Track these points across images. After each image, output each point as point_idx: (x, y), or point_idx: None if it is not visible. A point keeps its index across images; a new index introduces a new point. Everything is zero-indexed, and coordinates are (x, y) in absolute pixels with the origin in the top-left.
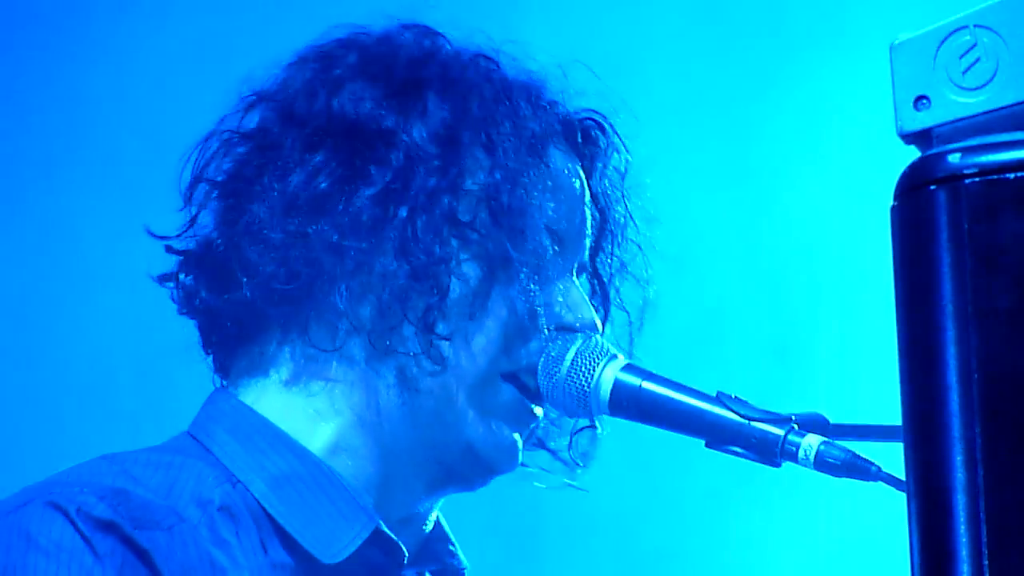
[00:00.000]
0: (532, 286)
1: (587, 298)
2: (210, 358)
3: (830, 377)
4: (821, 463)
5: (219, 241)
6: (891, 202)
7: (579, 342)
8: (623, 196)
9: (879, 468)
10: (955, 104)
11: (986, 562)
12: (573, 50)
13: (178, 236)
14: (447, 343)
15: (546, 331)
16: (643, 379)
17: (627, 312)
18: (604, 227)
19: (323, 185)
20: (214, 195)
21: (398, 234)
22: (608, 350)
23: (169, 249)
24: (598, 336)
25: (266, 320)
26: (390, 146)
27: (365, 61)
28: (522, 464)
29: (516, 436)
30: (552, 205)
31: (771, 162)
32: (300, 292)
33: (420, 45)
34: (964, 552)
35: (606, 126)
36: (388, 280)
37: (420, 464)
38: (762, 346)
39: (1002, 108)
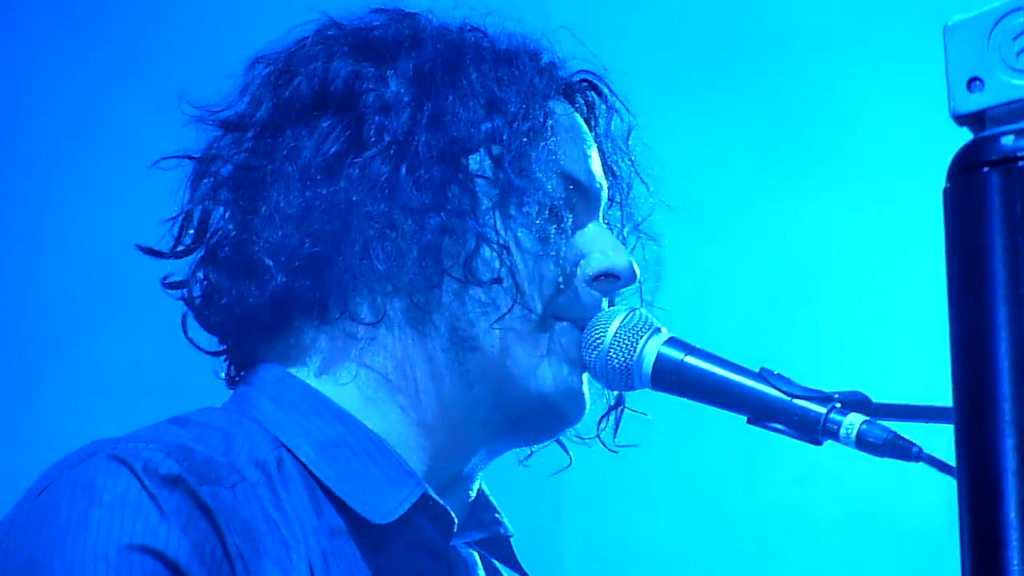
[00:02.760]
0: (561, 227)
1: (621, 243)
2: (228, 368)
3: (844, 359)
4: (862, 442)
5: (238, 233)
6: (943, 184)
7: (623, 315)
8: (628, 153)
9: (920, 449)
10: (1008, 86)
11: None
12: (594, 43)
13: (184, 243)
14: (499, 289)
15: (587, 279)
16: (686, 353)
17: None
18: (613, 183)
19: (333, 149)
20: (224, 190)
21: (416, 190)
22: (652, 323)
23: (180, 252)
24: (642, 309)
25: (303, 302)
26: (388, 106)
27: (349, 36)
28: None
29: (581, 380)
30: (560, 148)
31: (796, 150)
32: (330, 261)
33: (399, 21)
34: (1015, 537)
35: (603, 87)
36: (417, 238)
37: (482, 421)
38: (780, 333)
39: None
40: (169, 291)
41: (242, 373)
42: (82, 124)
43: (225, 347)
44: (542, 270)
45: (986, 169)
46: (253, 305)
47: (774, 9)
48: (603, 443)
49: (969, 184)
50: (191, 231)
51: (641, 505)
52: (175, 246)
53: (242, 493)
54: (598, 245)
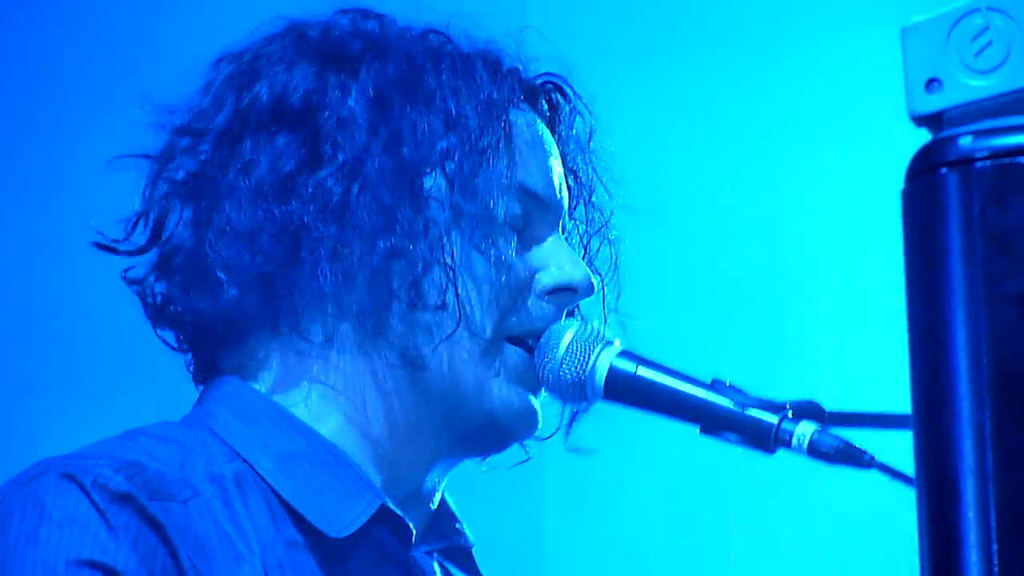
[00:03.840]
0: (514, 245)
1: (579, 256)
2: (191, 362)
3: (830, 364)
4: (814, 451)
5: (191, 244)
6: (901, 185)
7: (574, 328)
8: (590, 158)
9: (873, 457)
10: (967, 87)
11: (995, 547)
12: (577, 44)
13: (139, 246)
14: (445, 314)
15: (542, 293)
16: (638, 365)
17: (600, 275)
18: (575, 187)
19: (287, 168)
20: (179, 197)
21: (366, 213)
22: (603, 335)
23: (135, 251)
24: (595, 322)
25: (253, 318)
26: (340, 123)
27: (309, 45)
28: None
29: (533, 399)
30: (520, 162)
31: (773, 146)
32: (281, 280)
33: (362, 25)
34: (972, 537)
35: (567, 89)
36: (367, 260)
37: (434, 437)
38: (762, 333)
39: (1014, 91)
40: (128, 285)
41: (203, 378)
42: (38, 122)
43: (181, 349)
44: (493, 293)
45: (944, 170)
46: (206, 316)
47: (740, 10)
48: (570, 449)
49: (927, 185)
50: (146, 232)
51: (622, 510)
52: (127, 242)
53: (195, 508)
54: (555, 259)
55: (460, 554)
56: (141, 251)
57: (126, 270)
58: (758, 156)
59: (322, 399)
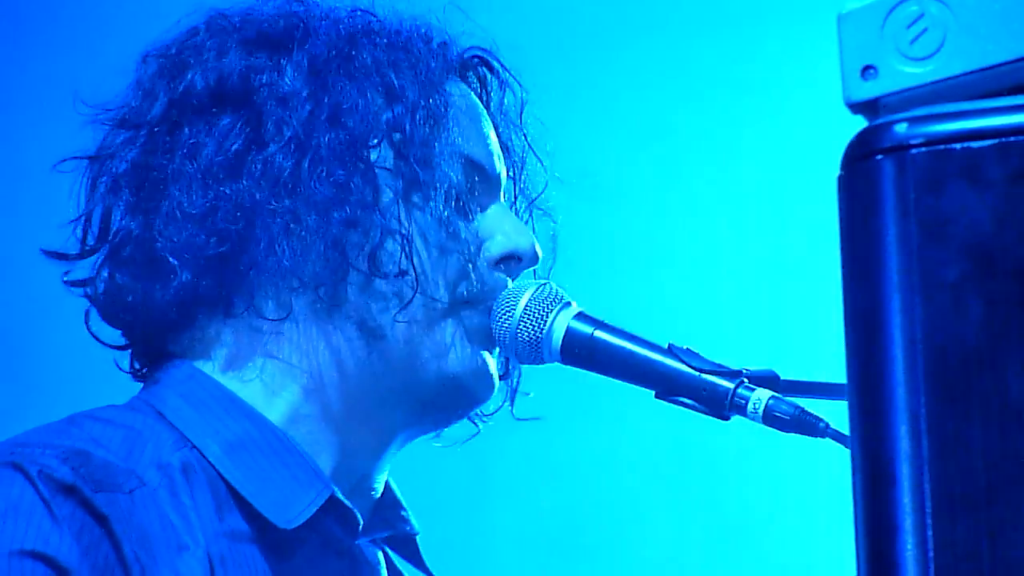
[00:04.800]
0: (464, 213)
1: (523, 224)
2: (132, 363)
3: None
4: (770, 417)
5: (140, 231)
6: (838, 172)
7: (532, 288)
8: (521, 128)
9: (827, 424)
10: (902, 74)
11: (930, 533)
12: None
13: (89, 244)
14: (402, 281)
15: (492, 262)
16: (595, 328)
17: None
18: (507, 160)
19: (235, 146)
20: (123, 189)
21: (318, 185)
22: (562, 297)
23: (85, 253)
24: (552, 283)
25: (208, 299)
26: (281, 100)
27: (235, 30)
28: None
29: (489, 359)
30: (460, 133)
31: (728, 139)
32: (236, 258)
33: (286, 8)
34: (908, 523)
35: (494, 63)
36: (322, 232)
37: (393, 407)
38: (688, 309)
39: (949, 78)
40: (71, 288)
41: (148, 368)
42: None
43: (130, 342)
44: (447, 259)
45: (880, 157)
46: (158, 302)
47: None
48: (518, 417)
49: (863, 172)
50: (94, 231)
51: (573, 495)
52: (81, 248)
53: (140, 498)
54: (500, 227)
55: (405, 542)
56: (92, 251)
57: (65, 273)
58: (678, 136)
59: (278, 373)
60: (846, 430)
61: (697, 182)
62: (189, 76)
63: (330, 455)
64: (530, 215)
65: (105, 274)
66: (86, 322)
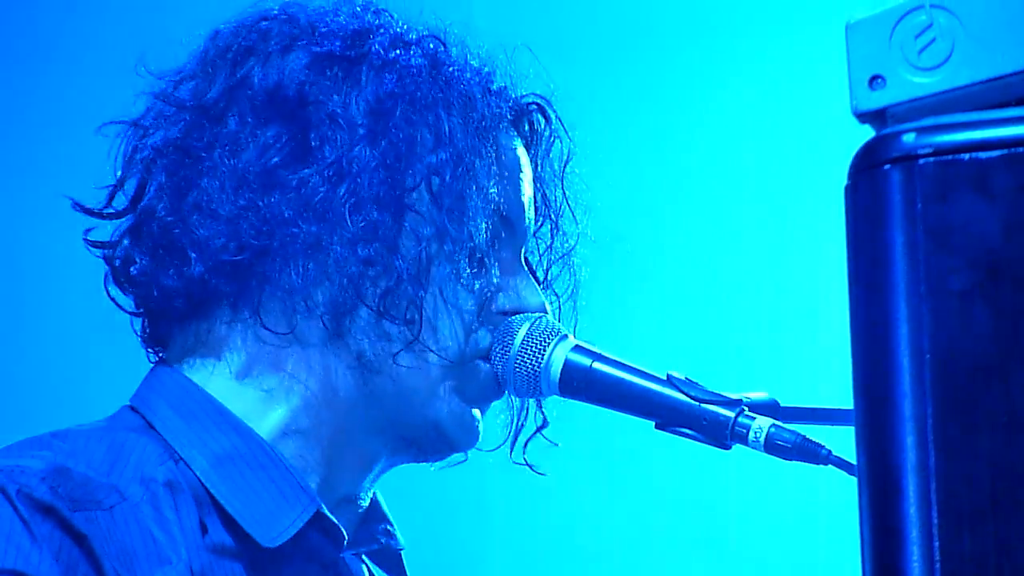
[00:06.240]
0: (485, 268)
1: (534, 284)
2: (144, 329)
3: (782, 366)
4: (771, 445)
5: (165, 214)
6: (845, 181)
7: (530, 322)
8: (563, 183)
9: (829, 451)
10: (910, 84)
11: (936, 543)
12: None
13: (118, 210)
14: (410, 328)
15: (498, 312)
16: (593, 360)
17: (557, 296)
18: (545, 212)
19: (275, 160)
20: (158, 166)
21: (349, 217)
22: (559, 330)
23: (108, 215)
24: (549, 316)
25: (216, 297)
26: (335, 123)
27: (307, 33)
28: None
29: (477, 413)
30: (500, 189)
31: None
32: (251, 267)
33: (364, 19)
34: (914, 534)
35: (549, 112)
36: (343, 264)
37: (377, 437)
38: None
39: (957, 88)
40: (91, 248)
41: (153, 349)
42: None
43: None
44: (456, 316)
45: (888, 166)
46: (168, 287)
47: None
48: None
49: (871, 181)
50: (127, 196)
51: (564, 507)
52: (105, 207)
53: (120, 514)
54: (513, 283)
55: (389, 556)
56: (119, 215)
57: (87, 231)
58: (682, 159)
59: (277, 386)
60: (847, 455)
61: (702, 192)
62: (250, 65)
63: (317, 471)
64: (560, 268)
65: (126, 243)
66: (105, 285)
